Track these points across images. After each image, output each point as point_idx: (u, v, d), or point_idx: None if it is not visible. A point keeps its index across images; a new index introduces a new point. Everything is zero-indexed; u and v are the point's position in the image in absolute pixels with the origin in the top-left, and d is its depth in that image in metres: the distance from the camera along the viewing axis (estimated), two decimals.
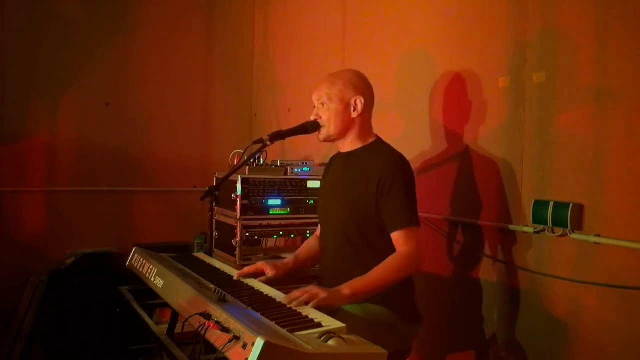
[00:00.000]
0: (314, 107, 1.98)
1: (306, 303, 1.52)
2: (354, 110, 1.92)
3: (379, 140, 1.99)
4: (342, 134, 1.96)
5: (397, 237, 1.81)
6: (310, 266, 2.16)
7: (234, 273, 1.89)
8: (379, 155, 1.91)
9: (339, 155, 2.07)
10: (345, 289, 1.66)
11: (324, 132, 1.96)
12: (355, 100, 1.92)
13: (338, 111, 1.92)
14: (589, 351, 1.86)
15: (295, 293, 1.55)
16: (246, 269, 1.94)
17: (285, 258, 2.15)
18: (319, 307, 1.51)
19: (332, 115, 1.93)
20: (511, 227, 2.13)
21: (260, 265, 1.94)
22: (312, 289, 1.58)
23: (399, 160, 1.88)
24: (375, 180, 1.83)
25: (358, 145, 1.97)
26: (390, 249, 1.81)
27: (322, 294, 1.55)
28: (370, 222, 1.86)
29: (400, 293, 1.87)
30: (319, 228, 2.18)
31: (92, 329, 3.29)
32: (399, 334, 1.85)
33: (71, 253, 3.60)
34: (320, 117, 1.95)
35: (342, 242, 1.92)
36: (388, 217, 1.83)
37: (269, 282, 1.83)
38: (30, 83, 3.57)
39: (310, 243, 2.18)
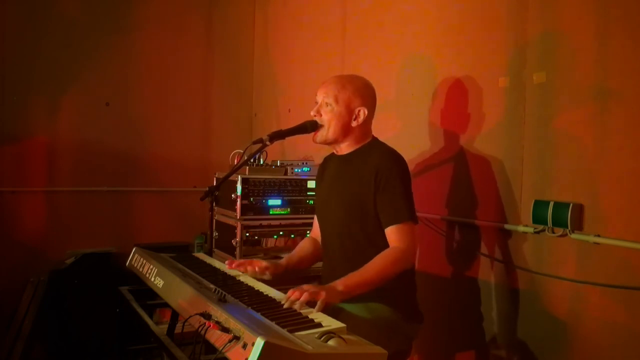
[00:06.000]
0: (316, 102, 1.95)
1: (307, 303, 1.49)
2: (354, 120, 1.91)
3: (374, 140, 1.99)
4: (338, 139, 1.95)
5: (390, 232, 1.80)
6: (304, 267, 2.14)
7: (234, 273, 1.89)
8: (375, 151, 1.92)
9: (333, 156, 2.06)
10: (340, 285, 1.63)
11: (321, 134, 1.94)
12: (359, 111, 1.91)
13: (341, 115, 1.90)
14: (589, 351, 1.86)
15: (294, 293, 1.50)
16: (242, 262, 1.95)
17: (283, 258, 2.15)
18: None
19: (334, 117, 1.90)
20: (511, 227, 2.13)
21: (256, 261, 1.94)
22: (309, 287, 1.53)
23: (395, 155, 1.89)
24: (373, 174, 1.83)
25: (355, 147, 1.96)
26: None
27: (321, 294, 1.51)
28: (370, 217, 1.85)
29: (403, 292, 1.87)
30: (313, 230, 2.18)
31: (92, 329, 3.28)
32: (401, 333, 1.85)
33: (71, 253, 3.60)
34: (321, 116, 1.93)
35: (343, 241, 1.92)
36: (383, 212, 1.83)
37: (269, 283, 1.83)
38: (30, 83, 3.57)
39: (304, 244, 2.16)
